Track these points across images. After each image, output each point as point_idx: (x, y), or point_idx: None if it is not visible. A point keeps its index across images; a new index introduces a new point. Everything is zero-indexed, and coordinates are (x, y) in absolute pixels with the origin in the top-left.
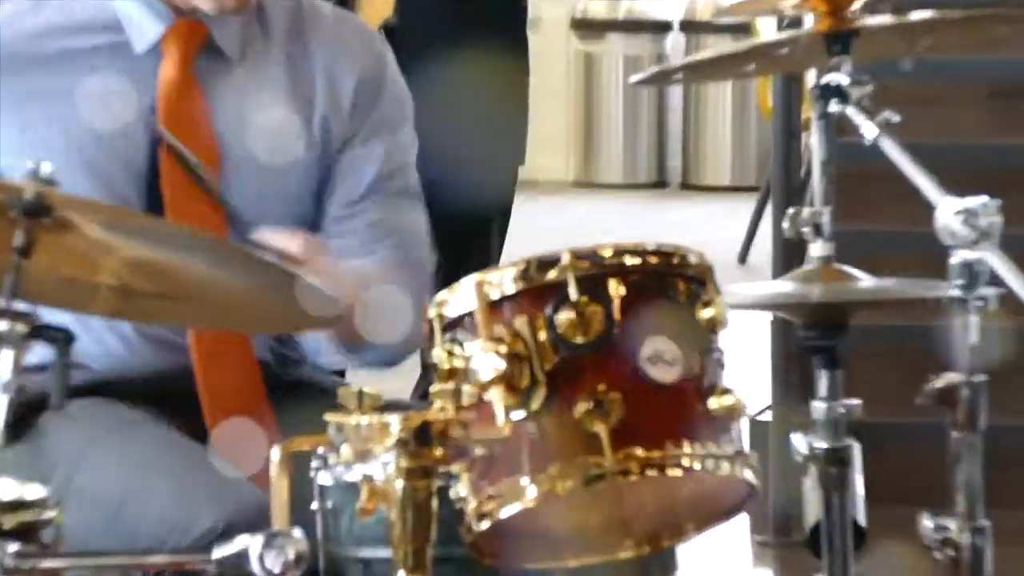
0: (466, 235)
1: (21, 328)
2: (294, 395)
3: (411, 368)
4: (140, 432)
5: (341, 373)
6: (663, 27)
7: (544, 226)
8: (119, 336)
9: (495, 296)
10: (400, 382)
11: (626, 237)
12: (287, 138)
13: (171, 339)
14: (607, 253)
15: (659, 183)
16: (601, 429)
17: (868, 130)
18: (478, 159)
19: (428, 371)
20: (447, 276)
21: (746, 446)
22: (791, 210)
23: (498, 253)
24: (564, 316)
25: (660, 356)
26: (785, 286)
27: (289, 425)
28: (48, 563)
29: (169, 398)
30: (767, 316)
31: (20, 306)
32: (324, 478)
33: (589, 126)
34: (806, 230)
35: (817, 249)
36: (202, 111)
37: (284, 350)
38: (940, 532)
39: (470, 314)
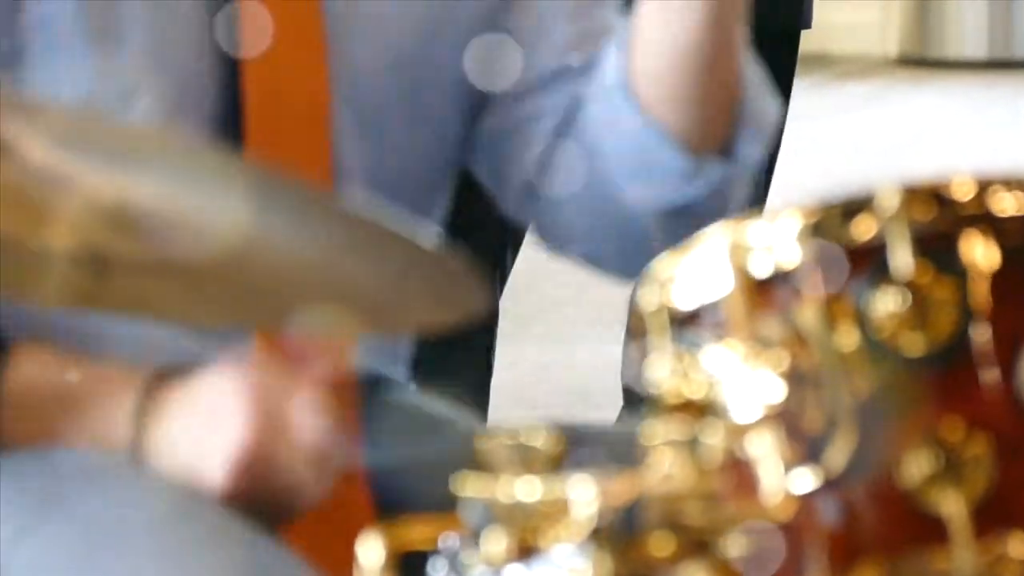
0: None
1: None
2: (403, 443)
3: (595, 398)
4: (130, 490)
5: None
6: None
7: (845, 132)
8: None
9: (764, 269)
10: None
11: (988, 156)
12: None
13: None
14: (964, 190)
15: None
16: (954, 503)
17: None
18: None
19: (636, 403)
20: None
21: None
22: None
23: (764, 187)
24: (886, 303)
25: None
26: None
27: (396, 496)
28: None
29: None
30: None
31: None
32: None
33: None
34: None
35: None
36: None
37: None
38: None
39: (718, 302)
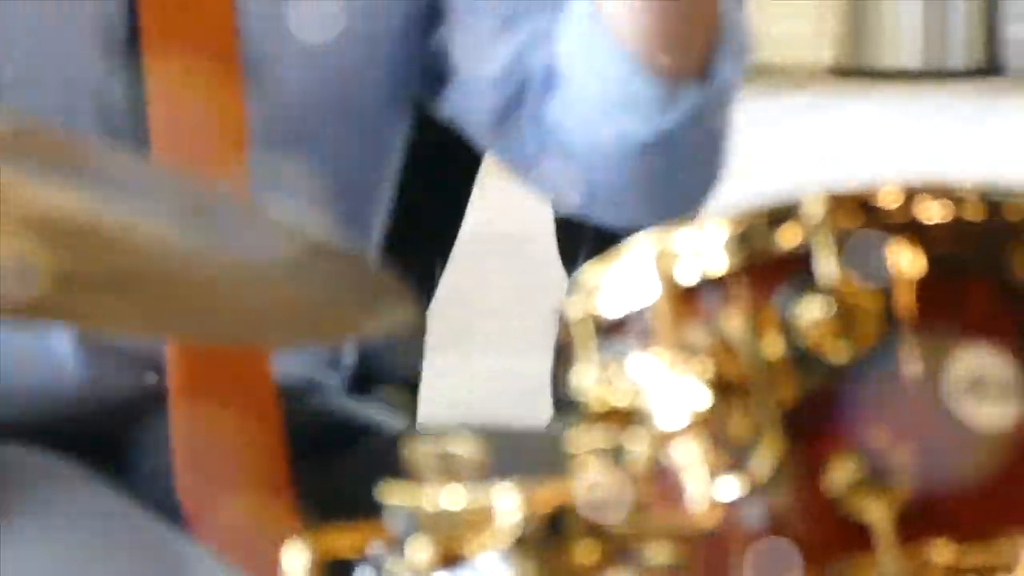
0: None
1: None
2: (328, 450)
3: (527, 407)
4: (66, 502)
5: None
6: None
7: (780, 143)
8: (43, 345)
9: (690, 277)
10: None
11: (922, 166)
12: None
13: (135, 350)
14: (890, 198)
15: (984, 69)
16: (879, 512)
17: None
18: None
19: (565, 411)
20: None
21: None
22: None
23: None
24: (812, 311)
25: (984, 383)
26: None
27: (320, 504)
28: None
29: (126, 450)
30: None
31: None
32: None
33: None
34: None
35: None
36: None
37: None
38: None
39: (644, 310)
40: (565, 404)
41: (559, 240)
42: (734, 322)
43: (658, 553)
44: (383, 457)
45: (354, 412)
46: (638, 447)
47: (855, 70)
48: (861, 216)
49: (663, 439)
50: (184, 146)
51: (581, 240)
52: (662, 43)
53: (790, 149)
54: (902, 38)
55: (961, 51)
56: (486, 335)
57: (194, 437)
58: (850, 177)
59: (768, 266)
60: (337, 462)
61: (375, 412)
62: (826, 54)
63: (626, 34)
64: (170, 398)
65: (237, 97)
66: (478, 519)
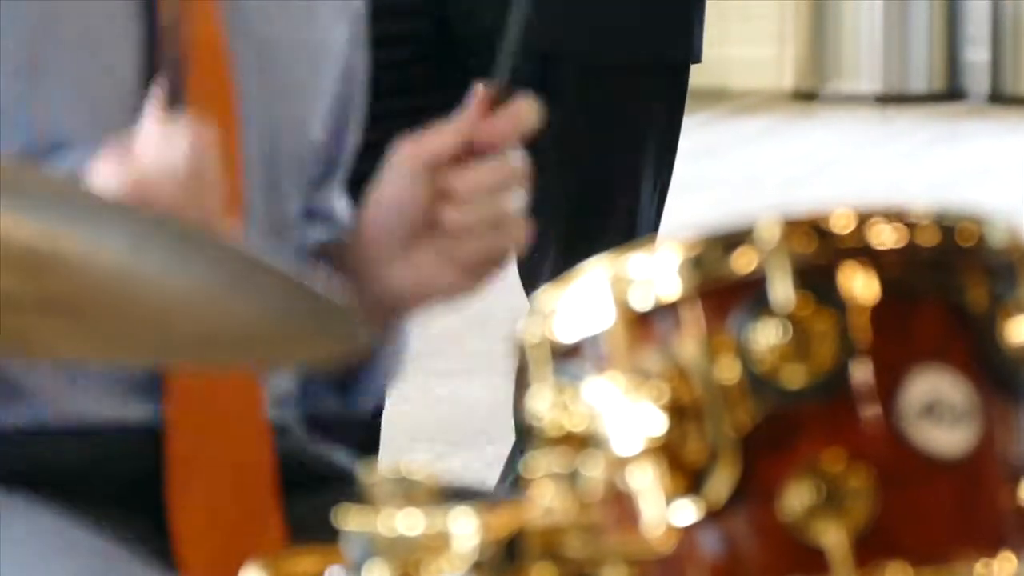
0: (592, 185)
1: None
2: (292, 483)
3: (489, 432)
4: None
5: (371, 442)
6: None
7: (739, 167)
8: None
9: (645, 302)
10: (468, 455)
11: (882, 191)
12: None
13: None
14: (844, 223)
15: (948, 94)
16: (835, 536)
17: None
18: (616, 44)
19: (522, 438)
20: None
21: None
22: None
23: (654, 220)
24: (767, 336)
25: (938, 408)
26: None
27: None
28: None
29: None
30: None
31: None
32: None
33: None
34: None
35: None
36: None
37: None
38: None
39: (600, 335)
40: (523, 428)
41: (519, 264)
42: (688, 347)
43: None
44: (336, 481)
45: (317, 456)
46: (594, 471)
47: (816, 94)
48: (815, 240)
49: (619, 464)
50: None
51: (542, 264)
52: None
53: (750, 173)
54: (862, 63)
55: (921, 76)
56: (443, 359)
57: (184, 474)
58: (810, 202)
59: (722, 291)
60: (299, 506)
61: (339, 456)
62: (787, 79)
63: None
64: (167, 431)
65: (233, 135)
66: (435, 544)
